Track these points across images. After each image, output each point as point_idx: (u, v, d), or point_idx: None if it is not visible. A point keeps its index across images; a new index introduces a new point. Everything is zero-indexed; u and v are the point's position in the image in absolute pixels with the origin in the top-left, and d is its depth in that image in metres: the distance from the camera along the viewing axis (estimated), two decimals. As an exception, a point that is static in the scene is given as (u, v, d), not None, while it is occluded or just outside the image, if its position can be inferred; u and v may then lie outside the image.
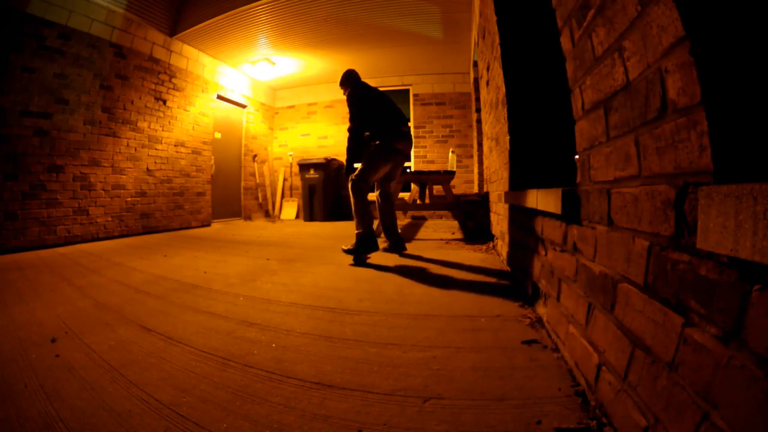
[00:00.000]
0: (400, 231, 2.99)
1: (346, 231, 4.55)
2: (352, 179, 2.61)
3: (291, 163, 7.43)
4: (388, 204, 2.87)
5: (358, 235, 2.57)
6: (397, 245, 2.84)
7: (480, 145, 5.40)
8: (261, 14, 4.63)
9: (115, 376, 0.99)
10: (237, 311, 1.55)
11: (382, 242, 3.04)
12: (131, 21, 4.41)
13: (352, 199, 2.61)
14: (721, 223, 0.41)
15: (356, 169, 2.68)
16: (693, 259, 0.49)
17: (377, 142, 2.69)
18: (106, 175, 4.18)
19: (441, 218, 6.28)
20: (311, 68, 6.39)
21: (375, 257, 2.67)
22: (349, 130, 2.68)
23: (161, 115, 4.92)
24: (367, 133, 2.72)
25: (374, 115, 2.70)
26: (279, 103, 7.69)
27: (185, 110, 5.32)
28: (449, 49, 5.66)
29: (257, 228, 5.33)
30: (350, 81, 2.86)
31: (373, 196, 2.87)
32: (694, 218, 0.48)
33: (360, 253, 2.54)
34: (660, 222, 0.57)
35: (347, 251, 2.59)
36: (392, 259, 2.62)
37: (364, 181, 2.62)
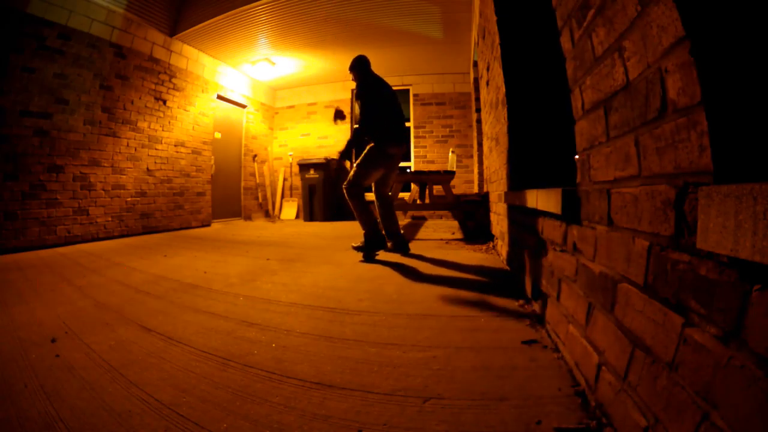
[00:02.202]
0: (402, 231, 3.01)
1: (346, 231, 4.55)
2: (345, 187, 2.70)
3: (291, 163, 7.43)
4: (387, 207, 2.89)
5: (365, 234, 2.67)
6: (400, 246, 2.86)
7: (480, 145, 5.40)
8: (261, 14, 4.63)
9: (115, 376, 0.99)
10: (237, 311, 1.55)
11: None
12: (131, 21, 4.41)
13: (350, 205, 2.71)
14: (721, 223, 0.41)
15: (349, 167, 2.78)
16: (693, 259, 0.49)
17: (371, 145, 2.71)
18: (106, 175, 4.18)
19: (441, 218, 6.28)
20: (311, 68, 6.39)
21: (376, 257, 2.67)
22: (355, 131, 2.71)
23: (161, 115, 4.92)
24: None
25: (379, 115, 2.70)
26: (279, 103, 7.69)
27: (185, 110, 5.32)
28: (449, 49, 5.66)
29: (257, 228, 5.33)
30: (362, 68, 2.79)
31: (370, 195, 2.92)
32: (694, 218, 0.48)
33: (369, 251, 2.64)
34: (660, 222, 0.57)
35: (357, 248, 2.68)
36: (392, 259, 2.61)
37: (357, 186, 2.68)
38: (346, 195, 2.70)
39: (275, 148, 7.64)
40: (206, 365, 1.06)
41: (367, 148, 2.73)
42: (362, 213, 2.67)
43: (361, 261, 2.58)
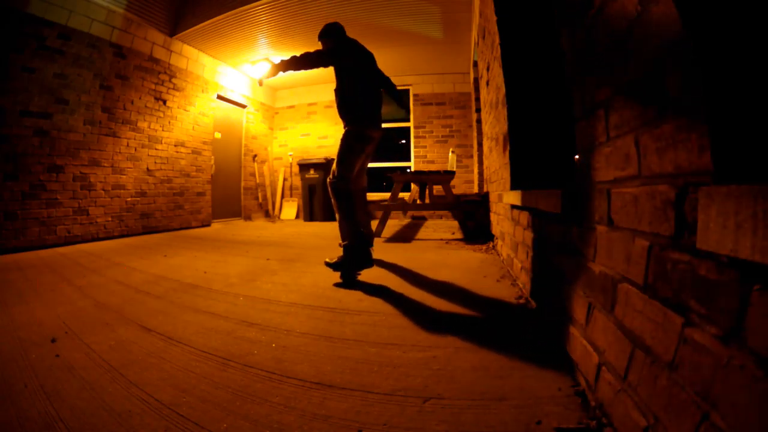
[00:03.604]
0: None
1: (346, 231, 4.54)
2: (330, 182, 2.20)
3: (291, 163, 7.43)
4: (365, 201, 2.49)
5: (345, 247, 2.06)
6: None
7: (480, 145, 5.40)
8: (261, 14, 4.63)
9: (115, 376, 0.99)
10: (237, 311, 1.55)
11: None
12: (131, 21, 4.41)
13: (334, 203, 2.19)
14: (721, 223, 0.41)
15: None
16: (693, 259, 0.49)
17: (347, 129, 2.26)
18: (106, 175, 4.18)
19: (441, 218, 6.28)
20: (311, 68, 6.39)
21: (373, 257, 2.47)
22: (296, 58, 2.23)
23: (161, 115, 4.92)
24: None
25: (359, 91, 2.28)
26: (279, 103, 7.69)
27: (185, 110, 5.32)
28: (449, 49, 5.66)
29: (257, 228, 5.33)
30: (339, 35, 2.37)
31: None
32: (694, 218, 0.48)
33: (349, 270, 2.02)
34: (660, 222, 0.57)
35: (332, 265, 2.03)
36: (392, 259, 2.61)
37: (344, 180, 2.18)
38: (330, 191, 2.19)
39: (275, 148, 7.64)
40: (206, 365, 1.06)
41: (344, 132, 2.27)
42: (347, 216, 2.13)
43: (337, 285, 1.93)
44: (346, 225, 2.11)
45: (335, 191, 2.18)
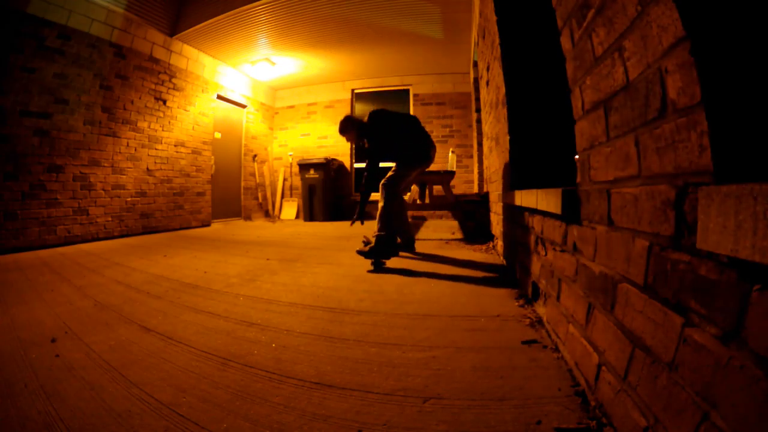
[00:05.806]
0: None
1: (347, 231, 4.55)
2: (383, 183, 2.66)
3: (291, 163, 7.43)
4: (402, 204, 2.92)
5: (378, 236, 2.46)
6: (408, 244, 2.90)
7: (480, 145, 5.40)
8: (261, 14, 4.63)
9: (115, 376, 0.99)
10: (237, 311, 1.55)
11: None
12: (131, 21, 4.41)
13: (382, 201, 2.61)
14: (721, 223, 0.41)
15: (384, 176, 2.72)
16: (693, 259, 0.49)
17: (400, 162, 2.74)
18: (106, 175, 4.18)
19: (441, 218, 6.27)
20: (311, 68, 6.39)
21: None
22: (367, 165, 2.73)
23: (161, 115, 4.92)
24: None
25: (397, 140, 2.73)
26: (279, 103, 7.68)
27: (185, 110, 5.32)
28: (449, 49, 5.66)
29: (257, 228, 5.33)
30: (354, 123, 2.81)
31: (376, 196, 2.83)
32: (694, 218, 0.48)
33: (380, 256, 2.40)
34: (660, 222, 0.57)
35: (364, 253, 2.40)
36: (392, 260, 2.61)
37: (397, 185, 2.68)
38: (381, 191, 2.63)
39: (275, 148, 7.64)
40: (206, 365, 1.06)
41: (396, 164, 2.76)
42: (389, 213, 2.57)
43: (370, 271, 2.27)
44: (386, 219, 2.57)
45: (387, 191, 2.65)
